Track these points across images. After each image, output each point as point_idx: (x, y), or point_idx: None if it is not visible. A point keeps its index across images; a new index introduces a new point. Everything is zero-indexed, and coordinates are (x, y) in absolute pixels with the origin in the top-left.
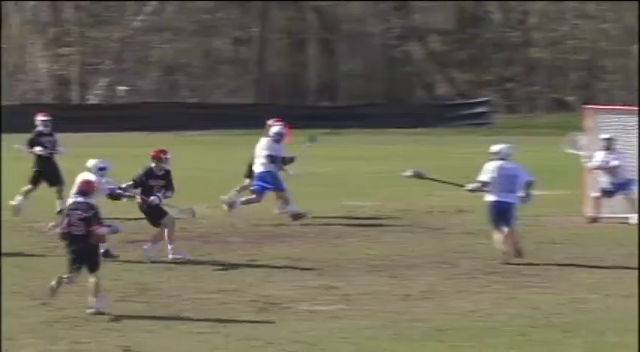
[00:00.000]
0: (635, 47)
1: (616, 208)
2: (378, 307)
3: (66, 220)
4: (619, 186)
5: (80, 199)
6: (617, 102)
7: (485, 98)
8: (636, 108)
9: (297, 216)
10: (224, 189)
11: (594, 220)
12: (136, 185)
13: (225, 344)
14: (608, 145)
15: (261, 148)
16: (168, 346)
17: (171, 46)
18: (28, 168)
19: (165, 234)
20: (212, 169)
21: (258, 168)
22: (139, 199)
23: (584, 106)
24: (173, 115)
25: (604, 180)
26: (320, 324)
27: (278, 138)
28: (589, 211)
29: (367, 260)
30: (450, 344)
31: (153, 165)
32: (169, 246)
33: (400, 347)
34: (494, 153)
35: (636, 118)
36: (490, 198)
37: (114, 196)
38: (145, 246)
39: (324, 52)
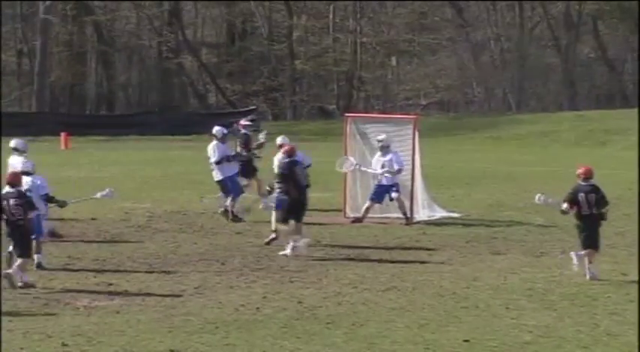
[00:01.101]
0: (394, 59)
1: (374, 208)
2: (154, 302)
3: None
4: (385, 190)
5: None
6: (375, 110)
7: (253, 107)
8: (392, 115)
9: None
10: None
11: (357, 220)
12: None
13: (9, 338)
14: (382, 146)
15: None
16: None
17: None
18: None
19: None
20: None
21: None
22: None
23: (344, 114)
24: None
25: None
26: (99, 319)
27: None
28: (350, 212)
29: (143, 258)
30: (222, 337)
31: None
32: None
33: (176, 339)
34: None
35: (394, 127)
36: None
37: None
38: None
39: (103, 63)
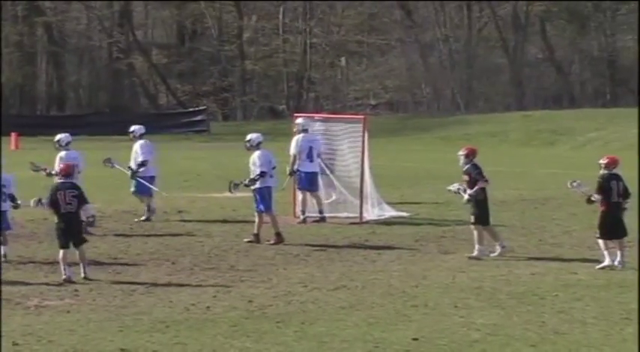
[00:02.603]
0: (343, 60)
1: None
2: (105, 301)
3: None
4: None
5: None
6: (325, 111)
7: (203, 107)
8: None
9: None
10: None
11: (304, 220)
12: None
13: None
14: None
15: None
16: None
17: None
18: None
19: None
20: None
21: None
22: None
23: (294, 114)
24: None
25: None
26: (50, 318)
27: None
28: (298, 211)
29: (94, 258)
30: (172, 335)
31: None
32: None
33: (126, 339)
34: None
35: (341, 125)
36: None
37: None
38: None
39: (54, 64)
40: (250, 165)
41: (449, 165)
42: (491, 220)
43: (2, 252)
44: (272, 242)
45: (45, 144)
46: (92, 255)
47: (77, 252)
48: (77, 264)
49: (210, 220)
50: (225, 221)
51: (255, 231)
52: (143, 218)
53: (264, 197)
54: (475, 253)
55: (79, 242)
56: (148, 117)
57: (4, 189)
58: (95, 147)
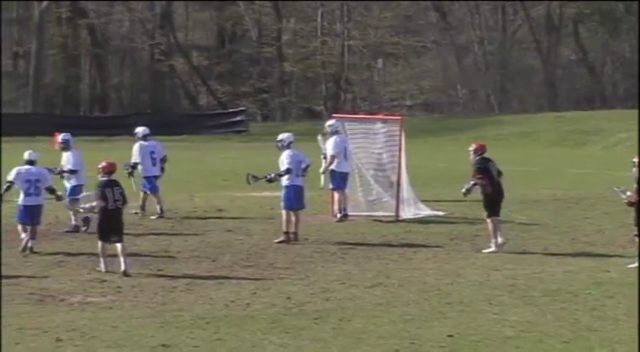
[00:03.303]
0: (380, 61)
1: (362, 207)
2: (146, 298)
3: None
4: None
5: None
6: (362, 111)
7: (242, 108)
8: (378, 116)
9: None
10: None
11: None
12: None
13: (4, 333)
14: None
15: None
16: None
17: None
18: None
19: None
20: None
21: None
22: None
23: (331, 115)
24: None
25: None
26: (93, 314)
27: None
28: (336, 209)
29: (135, 255)
30: (212, 332)
31: None
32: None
33: (167, 334)
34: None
35: (378, 125)
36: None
37: None
38: None
39: (96, 66)
40: (279, 163)
41: None
42: (524, 219)
43: (29, 245)
44: (279, 240)
45: (87, 145)
46: (133, 252)
47: (119, 248)
48: (114, 257)
49: (249, 218)
50: (263, 219)
51: (285, 229)
52: (154, 216)
53: (289, 196)
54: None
55: (121, 238)
56: (189, 118)
57: (38, 184)
58: None
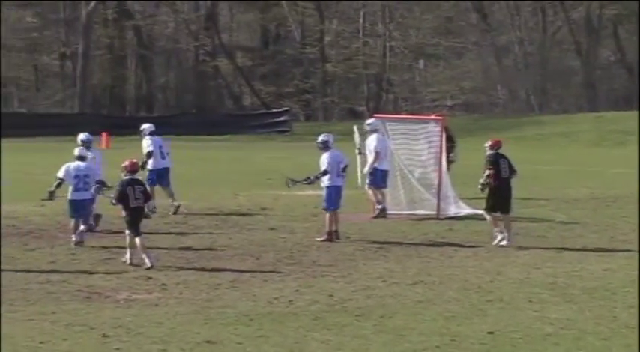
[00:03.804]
0: (421, 62)
1: (403, 205)
2: (191, 295)
3: None
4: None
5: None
6: (403, 111)
7: (286, 108)
8: (419, 116)
9: None
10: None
11: (381, 215)
12: None
13: (52, 329)
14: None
15: None
16: (1, 332)
17: (3, 61)
18: None
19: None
20: (39, 173)
21: None
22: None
23: (373, 115)
24: (4, 124)
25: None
26: (139, 311)
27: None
28: (376, 208)
29: (180, 253)
30: (256, 328)
31: None
32: None
33: (212, 331)
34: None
35: (419, 125)
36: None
37: None
38: None
39: (142, 66)
40: (320, 164)
41: (522, 165)
42: (564, 217)
43: (76, 239)
44: (322, 239)
45: (133, 144)
46: (178, 250)
47: (138, 242)
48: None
49: (293, 217)
50: (307, 218)
51: (327, 229)
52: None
53: (330, 196)
54: (502, 242)
55: (138, 233)
56: (233, 118)
57: (87, 179)
58: (182, 147)
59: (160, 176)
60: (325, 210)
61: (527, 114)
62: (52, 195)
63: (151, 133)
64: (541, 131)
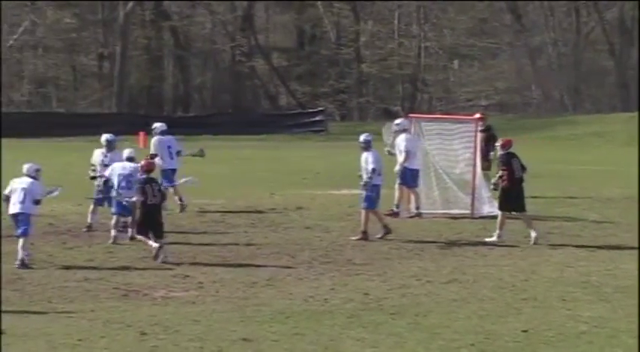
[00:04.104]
0: (456, 62)
1: (438, 204)
2: (228, 293)
3: None
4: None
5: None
6: (438, 111)
7: (321, 108)
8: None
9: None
10: (86, 189)
11: (417, 215)
12: None
13: (90, 327)
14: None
15: None
16: (39, 329)
17: (42, 62)
18: None
19: None
20: (76, 172)
21: None
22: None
23: (408, 115)
24: (43, 124)
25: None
26: (176, 309)
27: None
28: (411, 207)
29: (217, 252)
30: (292, 326)
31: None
32: None
33: (248, 328)
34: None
35: (453, 125)
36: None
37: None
38: None
39: (179, 67)
40: (362, 163)
41: (556, 164)
42: (597, 217)
43: (129, 234)
44: (357, 238)
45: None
46: (215, 248)
47: (155, 244)
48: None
49: (328, 216)
50: (342, 217)
51: (363, 228)
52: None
53: (370, 195)
54: (493, 238)
55: (160, 234)
56: (269, 118)
57: (130, 178)
58: (218, 146)
59: (166, 176)
60: (365, 209)
61: (560, 114)
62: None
63: (162, 132)
64: (574, 131)
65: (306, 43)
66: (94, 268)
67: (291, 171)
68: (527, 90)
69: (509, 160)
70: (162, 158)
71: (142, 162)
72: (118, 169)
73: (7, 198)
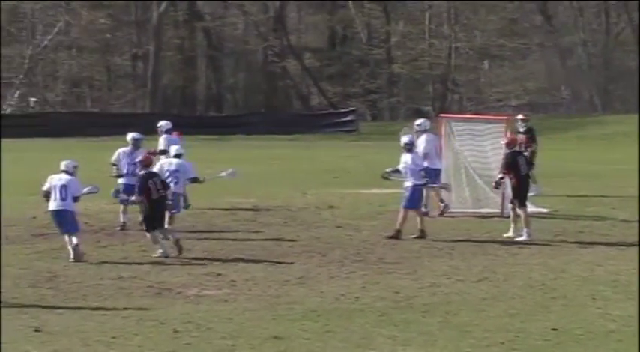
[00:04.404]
0: (486, 63)
1: (468, 203)
2: (260, 291)
3: None
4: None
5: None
6: (468, 111)
7: (352, 108)
8: (484, 116)
9: None
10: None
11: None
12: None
13: (124, 324)
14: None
15: None
16: (74, 326)
17: (77, 62)
18: None
19: None
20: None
21: None
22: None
23: (439, 115)
24: (78, 123)
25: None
26: (208, 307)
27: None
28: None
29: (249, 250)
30: (323, 324)
31: None
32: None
33: (280, 326)
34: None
35: (484, 125)
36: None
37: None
38: None
39: (212, 67)
40: (408, 163)
41: (586, 164)
42: (626, 215)
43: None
44: (389, 235)
45: (203, 143)
46: (247, 247)
47: (160, 235)
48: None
49: (359, 215)
50: (373, 216)
51: (398, 227)
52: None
53: (414, 195)
54: (523, 237)
55: (160, 225)
56: (301, 118)
57: (176, 174)
58: (250, 146)
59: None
60: (406, 208)
61: (590, 114)
62: None
63: (167, 131)
64: (604, 130)
65: (337, 43)
66: (128, 266)
67: (323, 170)
68: (557, 91)
69: (514, 158)
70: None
71: (140, 157)
72: (165, 166)
73: (47, 195)
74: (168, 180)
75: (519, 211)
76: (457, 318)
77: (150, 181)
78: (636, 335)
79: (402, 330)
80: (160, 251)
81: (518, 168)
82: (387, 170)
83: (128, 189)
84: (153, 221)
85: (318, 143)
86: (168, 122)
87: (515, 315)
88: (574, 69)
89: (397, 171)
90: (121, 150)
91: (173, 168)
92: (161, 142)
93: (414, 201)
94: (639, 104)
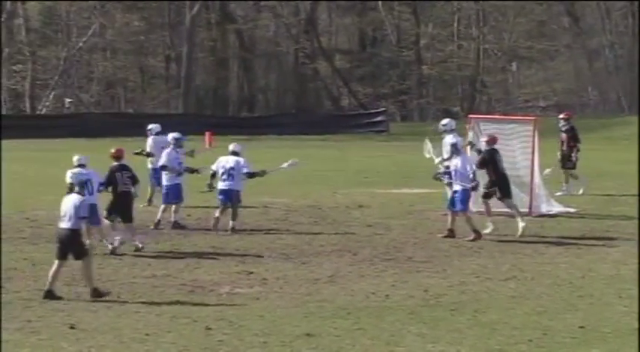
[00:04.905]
0: (514, 64)
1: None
2: (291, 289)
3: None
4: None
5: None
6: (496, 112)
7: (383, 109)
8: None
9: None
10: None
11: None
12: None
13: (157, 322)
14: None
15: None
16: (108, 324)
17: (111, 64)
18: None
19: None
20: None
21: None
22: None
23: (468, 115)
24: (112, 124)
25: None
26: (240, 304)
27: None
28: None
29: (281, 249)
30: (353, 322)
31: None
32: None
33: (311, 324)
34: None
35: (512, 125)
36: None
37: None
38: None
39: (244, 68)
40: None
41: (613, 164)
42: None
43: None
44: (470, 238)
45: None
46: (279, 246)
47: (126, 227)
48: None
49: (389, 214)
50: (403, 215)
51: (473, 228)
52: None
53: (464, 197)
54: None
55: (129, 219)
56: (331, 118)
57: (232, 171)
58: (282, 146)
59: (157, 174)
60: (462, 211)
61: (617, 115)
62: (211, 187)
63: (157, 133)
64: (631, 131)
65: (367, 45)
66: (162, 264)
67: (353, 170)
68: (584, 92)
69: (492, 156)
70: (155, 157)
71: (112, 150)
72: (222, 162)
73: (214, 174)
74: (223, 178)
75: (489, 201)
76: (485, 316)
77: (118, 174)
78: None
79: (431, 328)
80: (117, 238)
81: (496, 165)
82: (440, 171)
83: (173, 190)
84: (115, 211)
85: (348, 143)
86: (158, 125)
87: (543, 313)
88: (601, 70)
89: (447, 173)
90: (150, 139)
91: (230, 165)
92: (149, 144)
93: (464, 203)
94: (639, 104)
